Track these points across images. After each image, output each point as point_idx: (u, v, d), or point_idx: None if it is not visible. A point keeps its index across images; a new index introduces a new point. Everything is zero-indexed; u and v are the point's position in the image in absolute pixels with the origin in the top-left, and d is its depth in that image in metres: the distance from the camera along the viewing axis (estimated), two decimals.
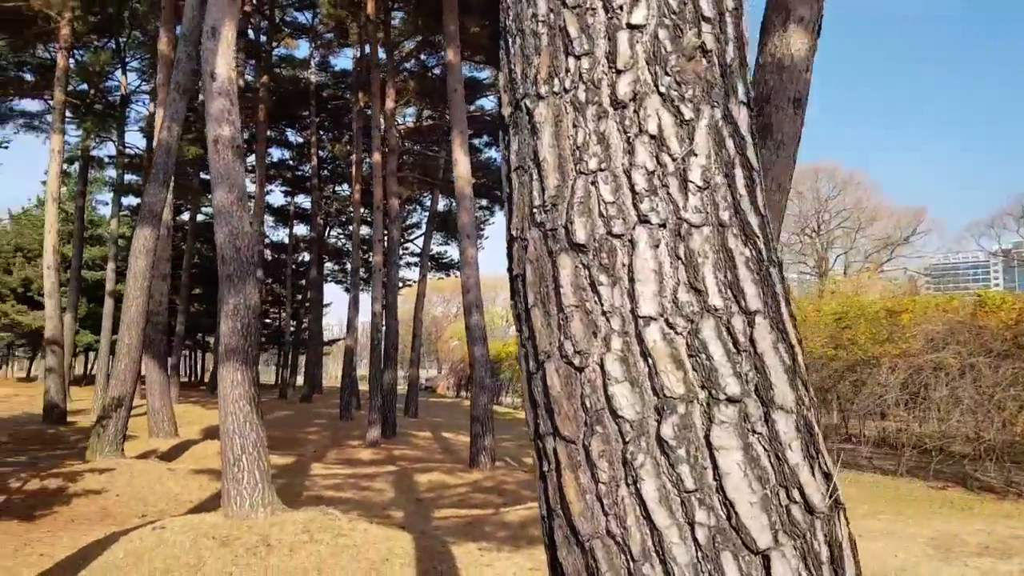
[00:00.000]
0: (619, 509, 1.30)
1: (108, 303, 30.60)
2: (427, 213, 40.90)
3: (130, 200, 37.66)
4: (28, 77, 26.95)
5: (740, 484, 1.25)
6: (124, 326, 14.53)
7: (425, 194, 41.01)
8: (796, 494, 1.28)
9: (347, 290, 38.07)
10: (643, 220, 1.35)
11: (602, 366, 1.33)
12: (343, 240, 50.49)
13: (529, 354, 1.47)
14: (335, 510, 9.47)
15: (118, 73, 30.00)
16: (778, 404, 1.31)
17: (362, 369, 43.25)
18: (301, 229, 49.77)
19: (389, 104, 25.68)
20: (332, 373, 78.34)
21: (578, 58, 1.45)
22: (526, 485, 14.93)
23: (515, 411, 30.89)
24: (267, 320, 54.70)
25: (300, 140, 42.78)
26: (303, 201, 48.01)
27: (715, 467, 1.26)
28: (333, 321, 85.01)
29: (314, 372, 43.21)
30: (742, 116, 1.47)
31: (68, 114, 25.25)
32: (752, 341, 1.32)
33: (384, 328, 25.64)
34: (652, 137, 1.38)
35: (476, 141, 35.03)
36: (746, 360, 1.32)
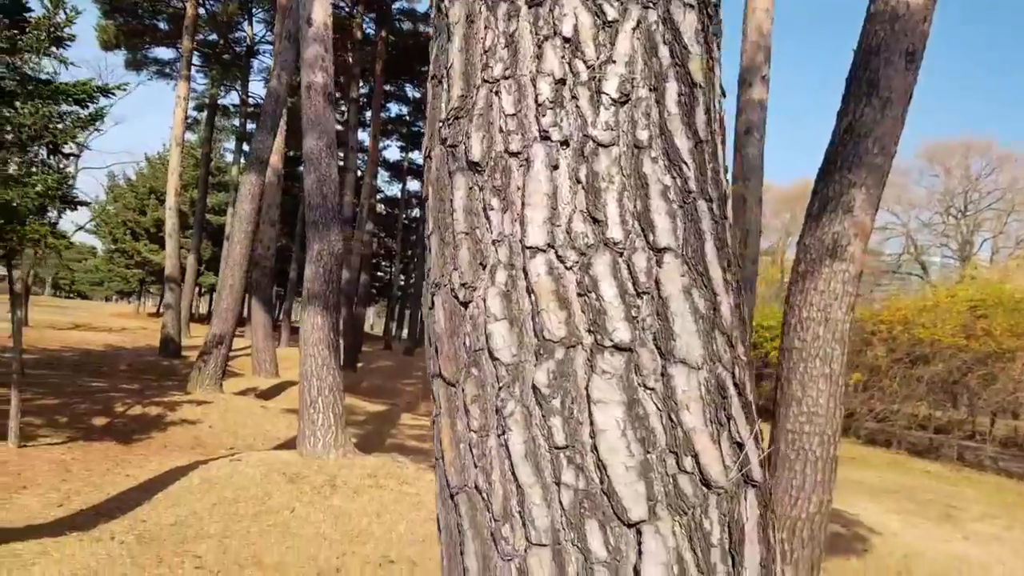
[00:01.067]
0: (486, 462, 1.15)
1: (226, 247, 32.18)
2: None
3: None
4: (161, 26, 28.36)
5: (616, 444, 1.07)
6: (228, 268, 15.20)
7: None
8: (688, 463, 1.09)
9: None
10: (543, 136, 1.17)
11: (485, 301, 1.17)
12: None
13: (426, 287, 1.33)
14: (406, 459, 9.64)
15: (245, 24, 31.09)
16: (679, 357, 1.11)
17: None
18: (414, 185, 50.63)
19: None
20: None
21: None
22: None
23: None
24: (378, 273, 56.33)
25: (418, 95, 43.21)
26: (417, 157, 48.74)
27: (592, 423, 1.09)
28: None
29: (418, 326, 44.21)
30: (688, 21, 1.24)
31: (196, 63, 26.41)
32: (657, 283, 1.13)
33: None
34: (566, 40, 1.19)
35: None
36: (647, 304, 1.12)
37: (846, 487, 11.41)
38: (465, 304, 1.20)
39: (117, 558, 5.06)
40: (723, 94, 1.33)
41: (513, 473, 1.11)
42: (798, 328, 5.18)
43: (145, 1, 26.62)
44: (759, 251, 11.50)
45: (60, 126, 9.47)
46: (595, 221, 1.13)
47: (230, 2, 28.19)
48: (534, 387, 1.11)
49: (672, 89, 1.20)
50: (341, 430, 9.11)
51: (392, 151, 49.36)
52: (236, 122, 37.34)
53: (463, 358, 1.20)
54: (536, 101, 1.18)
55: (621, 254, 1.13)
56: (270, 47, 31.90)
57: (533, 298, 1.13)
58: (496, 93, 1.21)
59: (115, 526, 5.92)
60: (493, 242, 1.18)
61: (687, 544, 1.06)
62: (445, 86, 1.29)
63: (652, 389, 1.10)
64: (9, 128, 8.97)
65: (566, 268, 1.13)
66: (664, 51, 1.20)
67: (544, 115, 1.17)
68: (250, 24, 31.18)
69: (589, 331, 1.11)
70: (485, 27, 1.25)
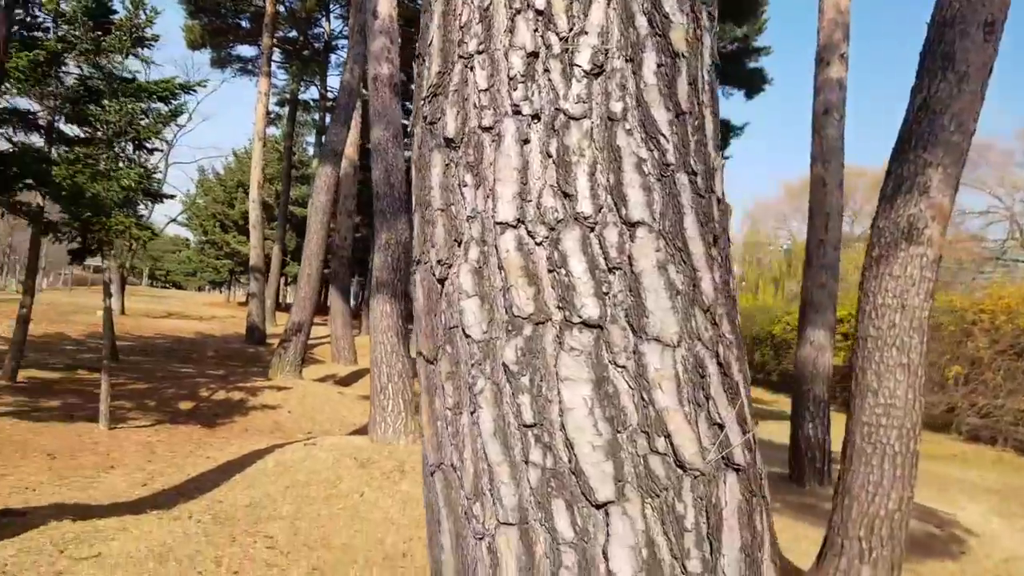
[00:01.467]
0: (459, 440, 1.14)
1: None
2: None
3: None
4: (244, 24, 29.29)
5: (583, 423, 1.05)
6: (305, 258, 15.63)
7: None
8: (661, 443, 1.05)
9: None
10: (514, 111, 1.14)
11: (458, 278, 1.16)
12: None
13: (412, 266, 1.33)
14: None
15: (323, 20, 31.79)
16: (652, 335, 1.08)
17: None
18: None
19: None
20: None
21: None
22: None
23: None
24: None
25: None
26: None
27: (560, 401, 1.07)
28: None
29: None
30: None
31: (277, 59, 27.18)
32: (630, 258, 1.09)
33: None
34: (538, 13, 1.16)
35: None
36: (619, 280, 1.09)
37: (944, 485, 10.89)
38: (441, 281, 1.19)
39: (192, 536, 5.29)
40: (716, 65, 1.28)
41: (484, 451, 1.10)
42: (872, 316, 4.96)
43: (228, 1, 27.54)
44: (841, 236, 11.04)
45: (144, 123, 9.92)
46: (565, 196, 1.11)
47: None
48: (504, 364, 1.10)
49: (650, 59, 1.16)
50: (411, 416, 9.25)
51: None
52: (316, 116, 38.28)
53: (439, 336, 1.19)
54: (508, 75, 1.16)
55: (592, 229, 1.10)
56: (346, 42, 32.62)
57: (503, 274, 1.12)
58: (471, 68, 1.19)
59: (193, 506, 6.19)
60: (467, 218, 1.17)
61: (659, 527, 1.03)
62: (427, 64, 1.29)
63: (623, 367, 1.07)
64: (97, 125, 9.46)
65: (536, 244, 1.11)
66: (642, 20, 1.16)
67: (515, 89, 1.15)
68: (328, 20, 31.86)
69: (559, 307, 1.09)
70: (462, 3, 1.23)
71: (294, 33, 31.07)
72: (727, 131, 29.06)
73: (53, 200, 9.59)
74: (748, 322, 24.66)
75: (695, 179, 1.16)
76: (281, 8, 26.93)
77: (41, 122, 10.61)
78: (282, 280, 40.93)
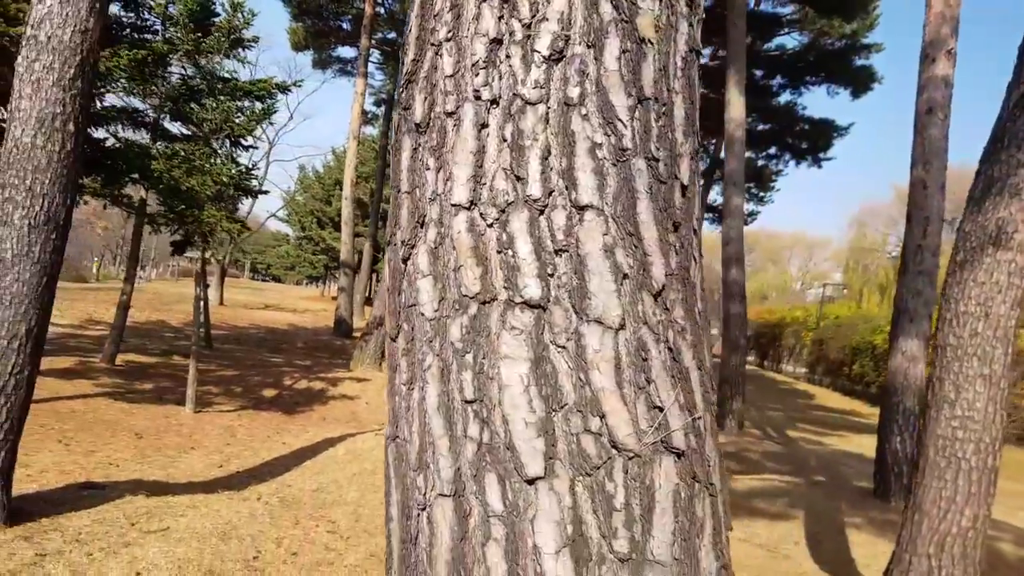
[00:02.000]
0: (410, 414, 1.18)
1: None
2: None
3: None
4: (345, 26, 30.22)
5: (519, 400, 1.07)
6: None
7: (712, 141, 39.27)
8: (595, 423, 1.07)
9: None
10: (475, 96, 1.18)
11: (417, 257, 1.21)
12: None
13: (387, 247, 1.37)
14: None
15: None
16: (593, 317, 1.09)
17: None
18: None
19: None
20: None
21: None
22: (774, 457, 14.20)
23: (795, 381, 29.05)
24: None
25: None
26: None
27: (499, 378, 1.09)
28: None
29: None
30: None
31: (375, 60, 27.94)
32: (576, 240, 1.11)
33: None
34: (504, 1, 1.19)
35: (771, 83, 32.23)
36: (564, 262, 1.11)
37: None
38: (405, 261, 1.23)
39: (258, 516, 5.52)
40: (696, 53, 1.28)
41: (428, 425, 1.14)
42: (954, 323, 4.73)
43: (331, 3, 28.46)
44: (940, 242, 10.49)
45: (239, 120, 10.41)
46: (517, 179, 1.13)
47: (407, 0, 29.44)
48: (451, 342, 1.13)
49: (613, 45, 1.16)
50: None
51: None
52: None
53: (400, 314, 1.24)
54: (471, 62, 1.19)
55: (541, 211, 1.12)
56: None
57: (455, 254, 1.15)
58: (439, 55, 1.23)
59: (263, 488, 6.47)
60: (428, 200, 1.20)
61: (588, 505, 1.04)
62: (405, 52, 1.33)
63: (563, 347, 1.09)
64: (197, 122, 9.99)
65: (487, 225, 1.14)
66: (607, 7, 1.17)
67: (477, 75, 1.18)
68: None
69: (505, 287, 1.11)
70: None
71: (393, 34, 31.84)
72: (830, 131, 27.93)
73: (156, 193, 10.19)
74: (849, 331, 23.67)
75: (655, 165, 1.16)
76: (381, 10, 27.63)
77: (147, 120, 11.29)
78: (373, 276, 41.98)
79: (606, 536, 1.03)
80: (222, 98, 10.18)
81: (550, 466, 1.05)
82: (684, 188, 1.20)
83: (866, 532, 7.62)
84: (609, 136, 1.14)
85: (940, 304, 4.92)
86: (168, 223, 10.23)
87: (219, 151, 10.44)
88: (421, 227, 1.21)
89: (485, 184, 1.15)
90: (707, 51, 33.58)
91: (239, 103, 10.51)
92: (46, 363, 10.91)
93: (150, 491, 5.70)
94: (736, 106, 16.66)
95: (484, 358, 1.10)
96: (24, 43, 4.28)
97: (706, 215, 39.60)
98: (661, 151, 1.17)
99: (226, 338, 18.32)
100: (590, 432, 1.06)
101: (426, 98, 1.23)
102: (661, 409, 1.09)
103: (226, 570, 4.43)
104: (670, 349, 1.12)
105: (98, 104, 9.98)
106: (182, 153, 9.78)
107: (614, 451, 1.06)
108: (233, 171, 10.13)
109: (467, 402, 1.10)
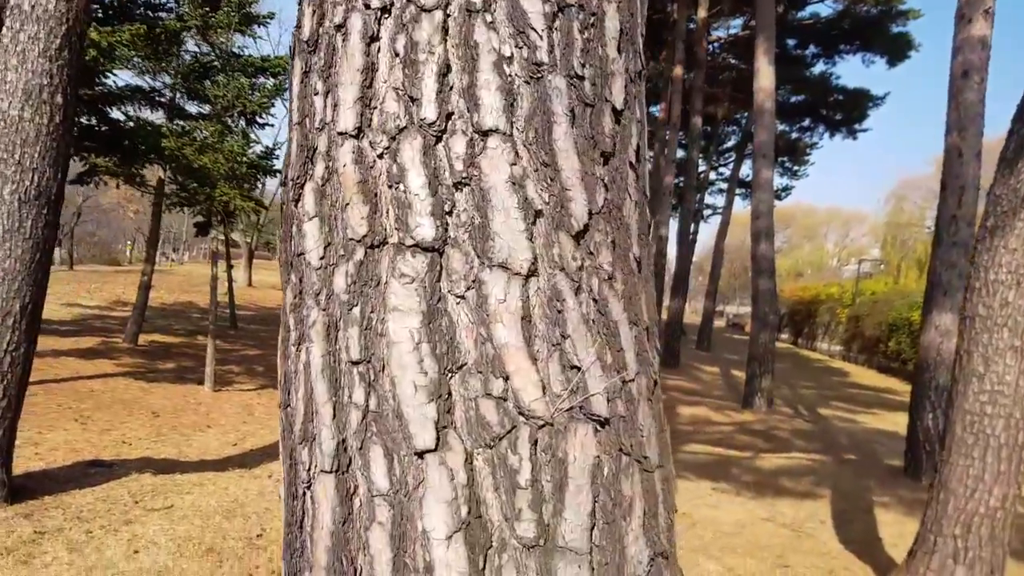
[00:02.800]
0: (296, 379, 1.02)
1: None
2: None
3: None
4: None
5: (408, 360, 0.90)
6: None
7: (743, 113, 38.32)
8: (498, 386, 0.89)
9: None
10: (364, 4, 1.00)
11: (303, 198, 1.04)
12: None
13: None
14: None
15: None
16: (496, 261, 0.91)
17: None
18: None
19: (701, 13, 24.06)
20: None
21: None
22: (802, 435, 13.90)
23: (829, 359, 28.41)
24: None
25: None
26: None
27: (387, 334, 0.92)
28: None
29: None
30: None
31: None
32: (479, 172, 0.93)
33: (675, 255, 25.07)
34: None
35: (804, 53, 31.22)
36: (465, 197, 0.93)
37: None
38: (295, 202, 1.07)
39: (266, 494, 5.45)
40: None
41: (312, 390, 0.98)
42: (983, 292, 4.47)
43: None
44: (976, 212, 10.05)
45: (252, 98, 10.30)
46: (411, 100, 0.96)
47: None
48: (336, 294, 0.97)
49: None
50: None
51: None
52: None
53: (292, 264, 1.07)
54: None
55: (437, 138, 0.94)
56: None
57: (342, 192, 0.98)
58: None
59: (275, 466, 6.39)
60: (316, 130, 1.03)
61: (488, 483, 0.88)
62: None
63: (462, 297, 0.91)
64: (210, 100, 9.89)
65: (376, 156, 0.96)
66: None
67: None
68: None
69: (396, 228, 0.94)
70: None
71: None
72: (865, 100, 27.04)
73: (170, 172, 10.15)
74: (885, 308, 23.06)
75: (579, 84, 0.97)
76: None
77: (163, 100, 11.24)
78: None
79: (508, 518, 0.87)
80: (235, 74, 10.07)
81: (443, 436, 0.88)
82: (617, 113, 1.01)
83: (895, 511, 7.36)
84: (521, 48, 0.95)
85: (968, 273, 4.65)
86: (181, 202, 10.18)
87: (234, 129, 10.35)
88: (311, 163, 1.04)
89: (375, 108, 0.97)
90: (739, 22, 32.77)
91: (252, 80, 10.39)
92: (69, 343, 11.01)
93: (159, 469, 5.65)
94: (765, 75, 16.20)
95: (372, 312, 0.94)
96: (8, 13, 4.18)
97: (737, 190, 38.93)
98: (587, 68, 0.98)
99: (252, 319, 18.40)
100: (491, 396, 0.89)
101: (315, 11, 1.05)
102: (578, 369, 0.91)
103: (227, 548, 4.35)
104: (595, 300, 0.94)
105: (113, 84, 9.94)
106: (192, 131, 9.70)
107: (520, 418, 0.89)
108: (247, 150, 10.04)
109: (353, 363, 0.94)
